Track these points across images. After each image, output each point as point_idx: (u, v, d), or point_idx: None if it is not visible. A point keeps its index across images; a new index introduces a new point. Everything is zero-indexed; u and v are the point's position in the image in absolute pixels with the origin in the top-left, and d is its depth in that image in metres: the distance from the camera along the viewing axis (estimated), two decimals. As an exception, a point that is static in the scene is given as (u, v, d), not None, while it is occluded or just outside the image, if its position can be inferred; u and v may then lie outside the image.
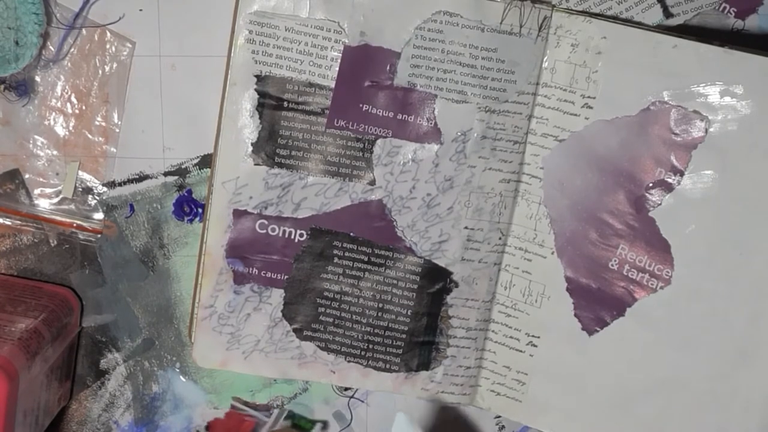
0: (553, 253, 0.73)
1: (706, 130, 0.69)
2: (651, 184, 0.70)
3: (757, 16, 0.73)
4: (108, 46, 0.73)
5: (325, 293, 0.73)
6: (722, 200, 0.69)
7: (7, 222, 0.76)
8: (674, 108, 0.69)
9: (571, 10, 0.70)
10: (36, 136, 0.74)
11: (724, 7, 0.72)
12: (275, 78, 0.69)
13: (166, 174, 0.75)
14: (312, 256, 0.72)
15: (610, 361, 0.73)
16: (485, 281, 0.74)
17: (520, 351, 0.75)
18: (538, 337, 0.74)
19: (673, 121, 0.69)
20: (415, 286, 0.73)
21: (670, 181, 0.70)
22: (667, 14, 0.72)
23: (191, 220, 0.76)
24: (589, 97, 0.70)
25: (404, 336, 0.74)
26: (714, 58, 0.68)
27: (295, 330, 0.73)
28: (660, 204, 0.71)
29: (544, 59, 0.70)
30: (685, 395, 0.72)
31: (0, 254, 0.77)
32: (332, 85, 0.69)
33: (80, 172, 0.75)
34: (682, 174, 0.70)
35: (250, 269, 0.72)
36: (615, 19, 0.71)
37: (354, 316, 0.73)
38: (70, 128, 0.74)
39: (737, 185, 0.69)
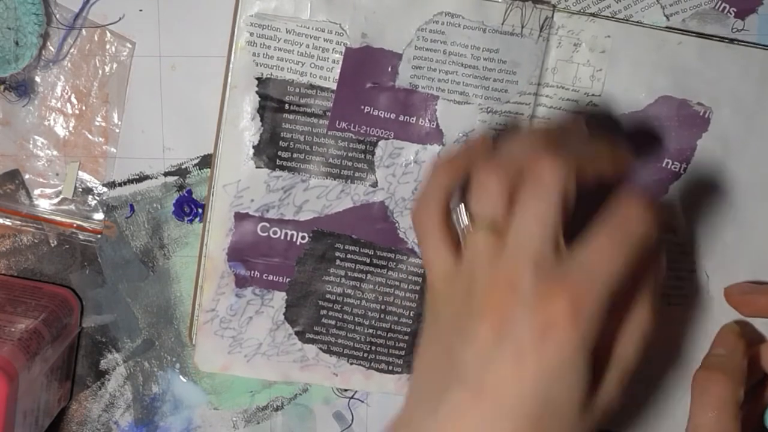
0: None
1: (710, 120, 0.71)
2: (657, 174, 0.72)
3: (756, 17, 0.73)
4: (108, 47, 0.73)
5: (328, 296, 0.73)
6: (724, 183, 0.72)
7: (7, 222, 0.76)
8: (679, 101, 0.71)
9: (572, 10, 0.70)
10: (36, 137, 0.74)
11: (724, 7, 0.72)
12: (276, 80, 0.69)
13: (166, 174, 0.75)
14: (314, 259, 0.72)
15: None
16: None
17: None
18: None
19: (678, 112, 0.71)
20: (418, 288, 0.73)
21: (676, 169, 0.72)
22: (664, 14, 0.72)
23: (191, 221, 0.76)
24: (593, 95, 0.71)
25: (407, 337, 0.74)
26: (717, 52, 0.71)
27: (297, 333, 0.73)
28: (666, 192, 0.72)
29: (546, 59, 0.70)
30: (690, 362, 0.75)
31: (0, 254, 0.77)
32: (334, 87, 0.69)
33: (80, 173, 0.75)
34: (688, 162, 0.72)
35: (252, 272, 0.72)
36: (616, 18, 0.71)
37: (356, 318, 0.73)
38: (70, 128, 0.74)
39: (738, 169, 0.72)
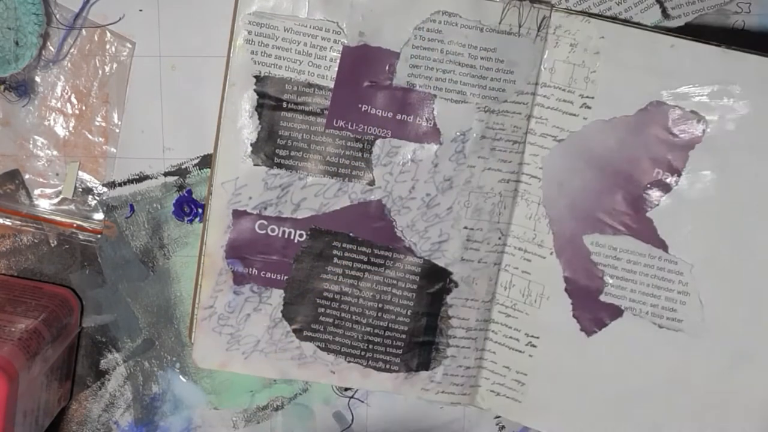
0: (552, 253, 0.73)
1: (704, 131, 0.69)
2: (649, 185, 0.70)
3: (756, 17, 0.73)
4: (108, 47, 0.73)
5: (325, 293, 0.73)
6: (720, 200, 0.70)
7: (7, 222, 0.76)
8: (672, 108, 0.69)
9: (570, 10, 0.70)
10: (36, 137, 0.75)
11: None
12: (274, 78, 0.69)
13: (166, 174, 0.75)
14: (311, 257, 0.72)
15: (609, 361, 0.73)
16: (485, 281, 0.74)
17: (520, 351, 0.75)
18: (538, 338, 0.74)
19: (670, 121, 0.69)
20: (415, 287, 0.73)
21: (667, 181, 0.70)
22: (666, 15, 0.72)
23: (191, 221, 0.76)
24: (587, 97, 0.70)
25: (404, 336, 0.74)
26: (711, 58, 0.68)
27: (294, 330, 0.73)
28: (658, 204, 0.71)
29: (543, 59, 0.70)
30: (684, 396, 0.73)
31: (0, 254, 0.77)
32: (331, 85, 0.69)
33: (80, 173, 0.75)
34: (679, 174, 0.70)
35: (250, 270, 0.72)
36: (614, 19, 0.71)
37: (354, 317, 0.73)
38: (70, 128, 0.74)
39: (735, 185, 0.70)
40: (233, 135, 0.70)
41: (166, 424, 0.80)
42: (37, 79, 0.74)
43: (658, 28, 0.71)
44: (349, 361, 0.74)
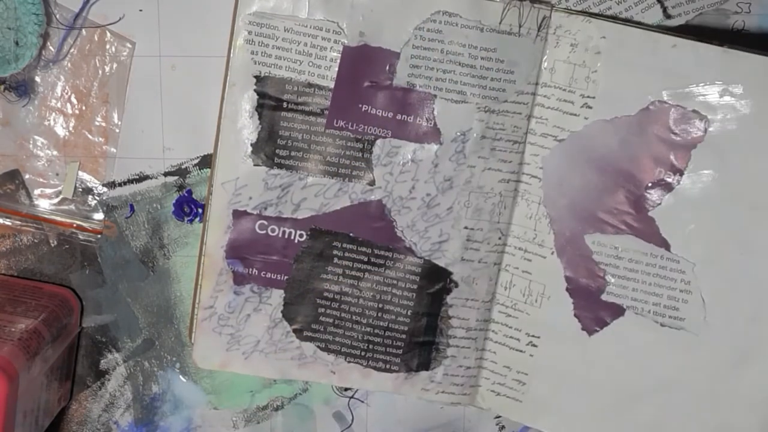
0: (553, 253, 0.73)
1: (706, 130, 0.69)
2: (650, 184, 0.70)
3: (756, 17, 0.73)
4: (108, 47, 0.73)
5: (325, 294, 0.73)
6: (722, 199, 0.70)
7: (7, 222, 0.76)
8: (673, 107, 0.69)
9: (570, 10, 0.70)
10: (36, 137, 0.75)
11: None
12: (274, 78, 0.69)
13: (166, 174, 0.75)
14: (312, 257, 0.72)
15: (610, 360, 0.73)
16: (485, 281, 0.74)
17: (521, 351, 0.75)
18: (539, 337, 0.74)
19: (672, 120, 0.69)
20: (415, 287, 0.73)
21: (669, 180, 0.70)
22: (667, 15, 0.72)
23: (191, 221, 0.76)
24: (588, 96, 0.70)
25: (404, 336, 0.74)
26: (713, 58, 0.68)
27: (295, 330, 0.73)
28: (660, 204, 0.71)
29: (544, 59, 0.70)
30: (686, 395, 0.72)
31: (0, 254, 0.77)
32: (331, 85, 0.69)
33: (80, 173, 0.75)
34: (681, 173, 0.70)
35: (250, 270, 0.72)
36: (614, 18, 0.71)
37: (354, 317, 0.73)
38: (70, 128, 0.74)
39: (737, 184, 0.69)
40: (233, 135, 0.70)
41: (166, 424, 0.80)
42: (37, 79, 0.74)
43: (658, 28, 0.71)
44: (349, 361, 0.74)
